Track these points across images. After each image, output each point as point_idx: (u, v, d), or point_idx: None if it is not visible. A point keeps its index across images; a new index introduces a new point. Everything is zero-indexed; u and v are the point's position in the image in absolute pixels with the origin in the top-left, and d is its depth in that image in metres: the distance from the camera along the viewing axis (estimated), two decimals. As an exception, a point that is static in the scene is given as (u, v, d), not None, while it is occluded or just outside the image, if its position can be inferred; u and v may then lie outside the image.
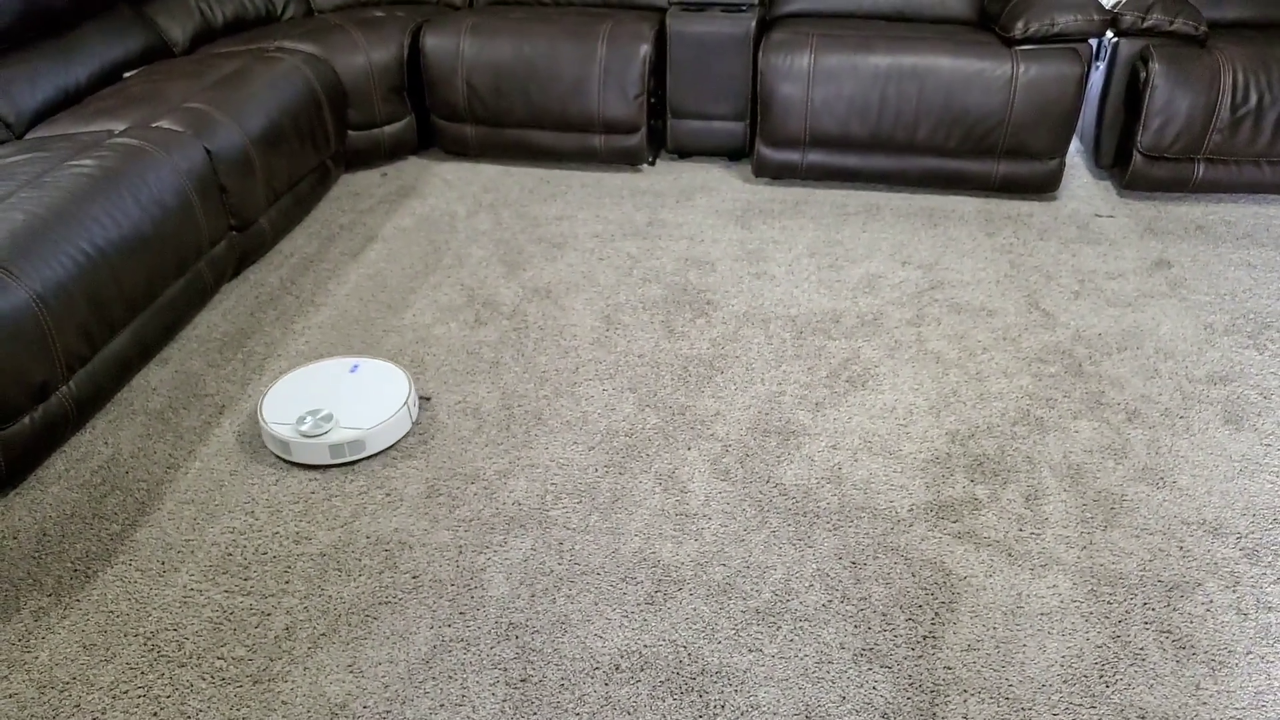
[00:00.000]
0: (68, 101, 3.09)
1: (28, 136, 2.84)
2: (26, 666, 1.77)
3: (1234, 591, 1.93)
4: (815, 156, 3.59)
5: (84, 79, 3.16)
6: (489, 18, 3.69)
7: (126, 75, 3.30)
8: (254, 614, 1.88)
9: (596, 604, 1.90)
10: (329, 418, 2.23)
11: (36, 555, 2.01)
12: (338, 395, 2.34)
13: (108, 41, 3.29)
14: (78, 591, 1.92)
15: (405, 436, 2.32)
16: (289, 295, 2.95)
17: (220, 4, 3.76)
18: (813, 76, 3.42)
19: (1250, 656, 1.79)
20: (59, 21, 3.19)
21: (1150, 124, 3.33)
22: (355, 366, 2.43)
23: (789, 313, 2.85)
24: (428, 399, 2.40)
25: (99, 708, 1.69)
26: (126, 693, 1.72)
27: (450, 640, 1.82)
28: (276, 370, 2.59)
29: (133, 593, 1.92)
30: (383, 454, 2.27)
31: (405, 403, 2.31)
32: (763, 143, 3.60)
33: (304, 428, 2.20)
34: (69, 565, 1.99)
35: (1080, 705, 1.70)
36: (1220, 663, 1.78)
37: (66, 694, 1.72)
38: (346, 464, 2.24)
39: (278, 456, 2.27)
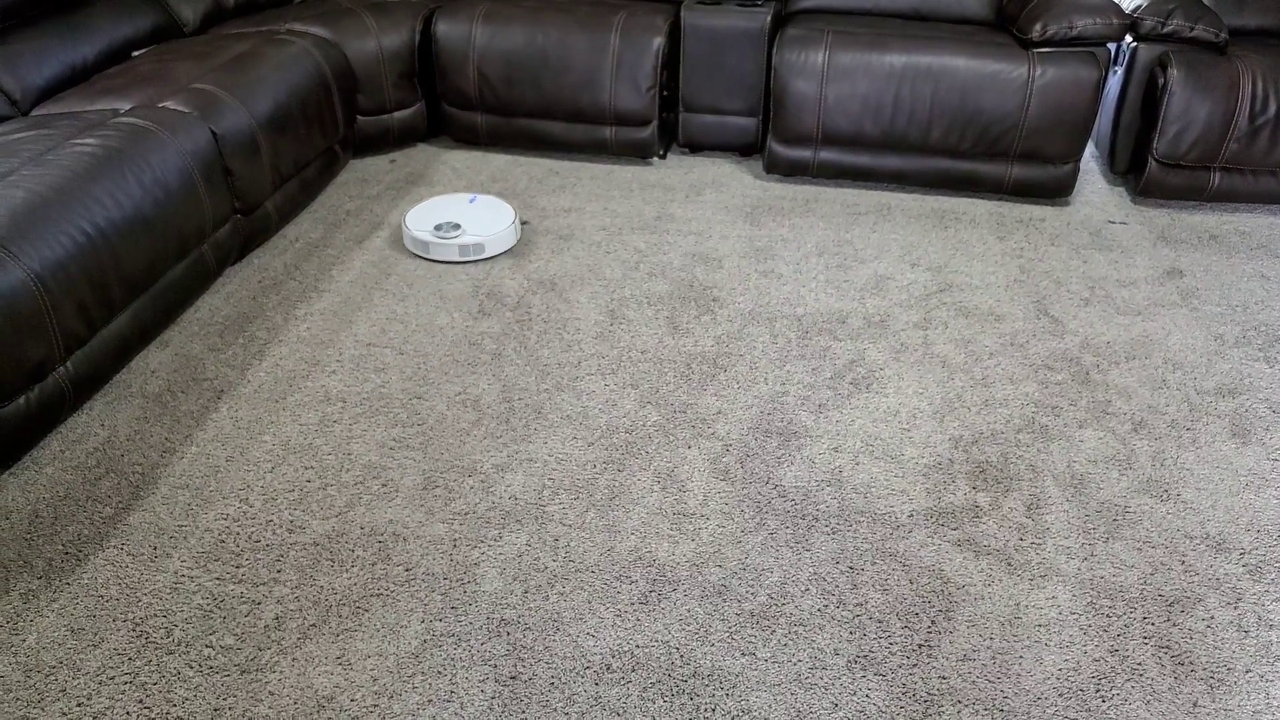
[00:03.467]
0: (75, 79, 3.07)
1: (33, 113, 2.82)
2: (13, 649, 1.76)
3: (1235, 608, 1.90)
4: (827, 154, 3.55)
5: (92, 57, 3.14)
6: (502, 5, 3.67)
7: (135, 54, 3.28)
8: (244, 602, 1.86)
9: (589, 602, 1.88)
10: (457, 225, 3.04)
11: (28, 537, 2.00)
12: (462, 216, 3.12)
13: (117, 20, 3.28)
14: (68, 575, 1.91)
15: (511, 248, 3.13)
16: (292, 280, 2.93)
17: (232, -15, 3.74)
18: (827, 74, 3.38)
19: (1250, 675, 1.77)
20: (69, -2, 3.18)
21: (1167, 131, 3.29)
22: (474, 199, 3.23)
23: (795, 312, 2.82)
24: (526, 223, 3.25)
25: (84, 693, 1.68)
26: (113, 679, 1.71)
27: (441, 635, 1.81)
28: (278, 355, 2.57)
29: (123, 577, 1.91)
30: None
31: (512, 222, 3.12)
32: (775, 139, 3.57)
33: (440, 232, 3.00)
34: (60, 548, 1.97)
35: (1076, 719, 1.68)
36: (1219, 680, 1.76)
37: (52, 678, 1.71)
38: (471, 262, 2.99)
39: (418, 255, 3.06)
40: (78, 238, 2.23)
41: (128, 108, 2.77)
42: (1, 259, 2.05)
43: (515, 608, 1.87)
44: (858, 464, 2.25)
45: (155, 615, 1.83)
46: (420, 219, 3.12)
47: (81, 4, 3.20)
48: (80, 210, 2.26)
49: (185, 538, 2.01)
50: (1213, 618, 1.88)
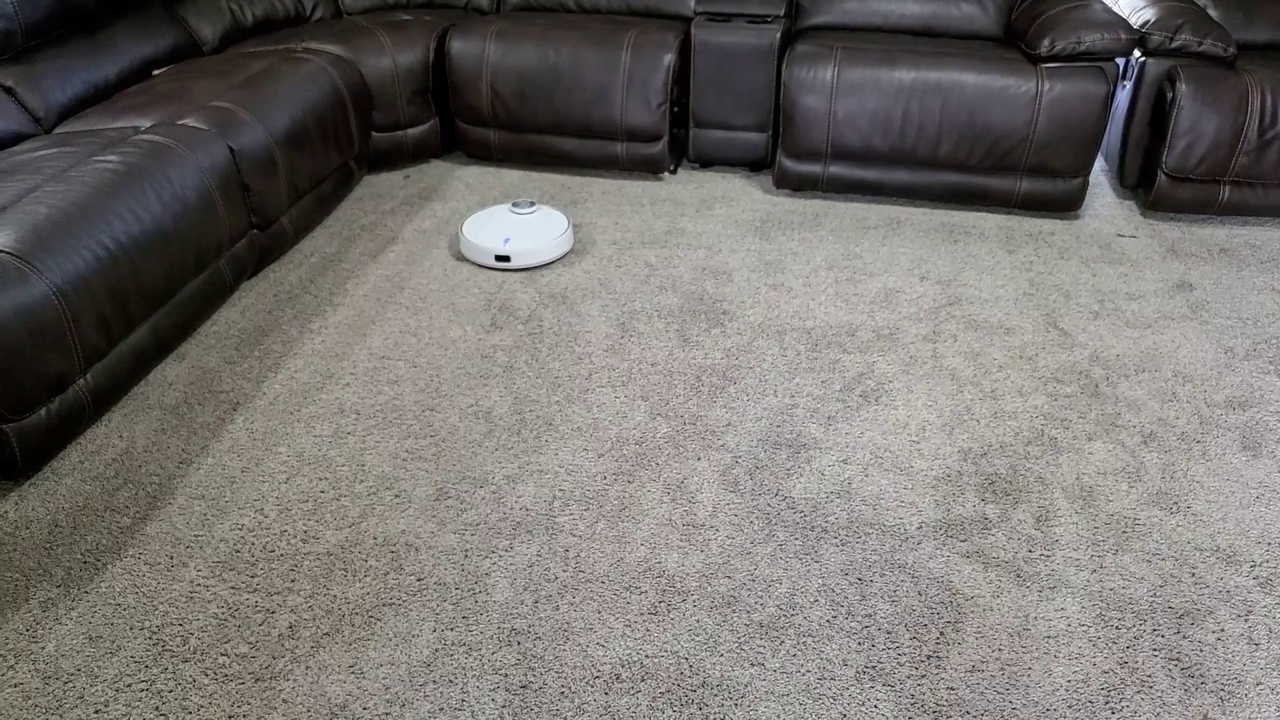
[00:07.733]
0: (97, 97, 3.13)
1: (56, 131, 2.88)
2: (33, 657, 1.79)
3: (1246, 621, 1.90)
4: (837, 169, 3.58)
5: (114, 75, 3.20)
6: (515, 23, 3.71)
7: (155, 73, 3.34)
8: (259, 611, 1.89)
9: (599, 612, 1.90)
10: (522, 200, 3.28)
11: (47, 546, 2.03)
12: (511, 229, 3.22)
13: (138, 39, 3.33)
14: (86, 583, 1.94)
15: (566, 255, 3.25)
16: (308, 294, 2.97)
17: (250, 4, 3.80)
18: (836, 89, 3.41)
19: (1260, 688, 1.77)
20: (91, 18, 3.24)
21: (1176, 145, 3.30)
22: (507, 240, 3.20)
23: (804, 325, 2.84)
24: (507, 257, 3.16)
25: (102, 700, 1.71)
26: (130, 686, 1.73)
27: (452, 644, 1.83)
28: (293, 368, 2.61)
29: (140, 586, 1.94)
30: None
31: (570, 226, 3.24)
32: (784, 154, 3.59)
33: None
34: (79, 557, 2.00)
35: (1084, 731, 1.68)
36: (1229, 693, 1.76)
37: (70, 685, 1.73)
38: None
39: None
40: (98, 252, 2.27)
41: (148, 125, 2.82)
42: (24, 273, 2.09)
43: (526, 617, 1.88)
44: (867, 476, 2.26)
45: (171, 624, 1.86)
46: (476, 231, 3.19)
47: (104, 24, 3.26)
48: (101, 225, 2.31)
49: (201, 547, 2.03)
50: (1223, 630, 1.88)
